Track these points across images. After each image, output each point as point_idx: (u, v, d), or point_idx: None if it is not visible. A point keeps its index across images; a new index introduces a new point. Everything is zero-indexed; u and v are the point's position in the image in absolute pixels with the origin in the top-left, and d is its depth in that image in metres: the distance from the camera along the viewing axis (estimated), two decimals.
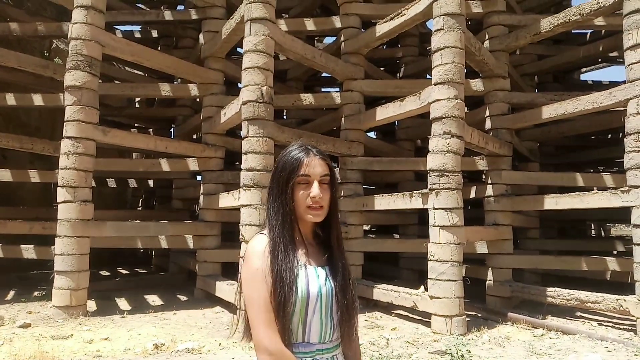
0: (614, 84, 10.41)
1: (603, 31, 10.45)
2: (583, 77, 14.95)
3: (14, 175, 9.33)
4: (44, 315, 6.96)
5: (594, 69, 14.65)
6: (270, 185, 1.55)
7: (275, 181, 1.53)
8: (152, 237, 8.81)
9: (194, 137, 11.60)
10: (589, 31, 11.30)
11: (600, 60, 13.08)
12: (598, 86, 11.95)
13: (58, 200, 7.10)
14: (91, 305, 7.61)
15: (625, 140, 6.37)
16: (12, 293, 8.67)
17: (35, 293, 8.56)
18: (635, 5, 6.29)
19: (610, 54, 11.21)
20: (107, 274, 11.64)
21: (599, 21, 7.93)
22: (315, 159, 1.51)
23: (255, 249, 1.48)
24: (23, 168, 9.92)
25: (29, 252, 8.50)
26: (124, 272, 12.21)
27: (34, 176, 9.34)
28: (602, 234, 20.02)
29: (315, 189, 1.48)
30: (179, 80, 10.51)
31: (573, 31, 10.46)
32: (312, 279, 1.47)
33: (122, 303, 8.21)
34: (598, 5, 6.95)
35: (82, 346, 5.46)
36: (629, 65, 6.34)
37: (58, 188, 7.12)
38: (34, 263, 9.53)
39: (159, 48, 11.80)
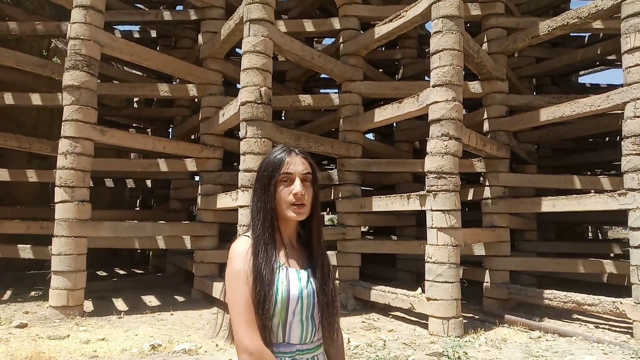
0: (611, 87, 10.47)
1: (601, 34, 10.49)
2: (581, 80, 15.00)
3: (11, 174, 9.31)
4: (40, 316, 6.94)
5: (592, 72, 14.72)
6: (255, 186, 1.57)
7: (259, 181, 1.55)
8: (150, 238, 8.79)
9: (192, 137, 11.60)
10: (587, 34, 11.34)
11: (598, 63, 13.13)
12: (596, 89, 11.98)
13: (55, 200, 7.09)
14: (88, 305, 7.59)
15: (622, 143, 6.39)
16: (8, 293, 8.65)
17: (32, 293, 8.54)
18: (633, 8, 6.31)
19: (608, 57, 11.25)
20: (104, 274, 11.61)
21: (597, 24, 7.95)
22: (296, 157, 1.53)
23: (238, 250, 1.49)
24: (21, 168, 9.89)
25: (26, 252, 8.47)
26: (121, 272, 12.19)
27: (32, 176, 9.31)
28: (599, 236, 20.06)
29: (297, 186, 1.50)
30: (178, 80, 10.51)
31: (571, 34, 10.50)
32: (293, 281, 1.48)
33: (119, 303, 8.19)
34: (596, 8, 6.98)
35: (78, 347, 5.44)
36: (626, 69, 6.36)
37: (56, 188, 7.11)
38: (31, 263, 9.50)
39: (157, 48, 11.79)
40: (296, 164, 1.52)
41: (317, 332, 1.52)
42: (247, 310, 1.41)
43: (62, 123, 7.16)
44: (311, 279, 1.53)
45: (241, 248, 1.49)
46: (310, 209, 1.55)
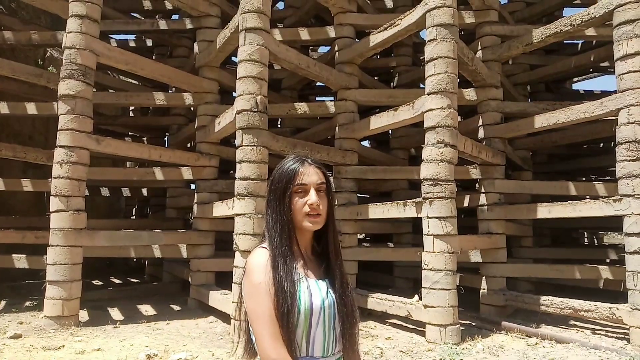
0: (605, 94, 10.55)
1: (594, 41, 10.58)
2: (575, 86, 15.12)
3: (6, 184, 9.27)
4: (35, 326, 6.89)
5: (585, 79, 14.84)
6: (268, 197, 1.56)
7: (273, 193, 1.54)
8: (146, 247, 8.76)
9: (188, 145, 11.59)
10: (581, 41, 11.44)
11: (591, 70, 13.24)
12: (590, 96, 12.07)
13: (51, 210, 7.06)
14: (83, 315, 7.54)
15: (616, 149, 6.42)
16: (2, 303, 8.58)
17: (27, 303, 8.47)
18: (625, 16, 6.38)
19: (602, 64, 11.34)
20: (100, 283, 11.54)
21: (590, 32, 8.02)
22: (310, 167, 1.53)
23: (257, 262, 1.48)
24: (16, 177, 9.87)
25: (20, 261, 8.42)
26: (117, 281, 12.12)
27: (27, 185, 9.28)
28: (595, 242, 20.10)
29: (312, 196, 1.50)
30: (174, 89, 10.52)
31: (565, 41, 10.58)
32: (315, 292, 1.48)
33: (115, 313, 8.14)
34: (589, 16, 7.05)
35: (73, 357, 5.40)
36: (619, 75, 6.41)
37: (51, 197, 7.08)
38: (25, 273, 9.47)
39: (153, 57, 11.83)
40: (310, 175, 1.52)
41: (338, 343, 1.52)
42: (272, 323, 1.39)
43: (58, 132, 7.15)
44: (330, 290, 1.53)
45: (260, 260, 1.48)
46: (325, 219, 1.54)
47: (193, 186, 10.04)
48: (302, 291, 1.45)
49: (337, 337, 1.51)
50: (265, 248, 1.51)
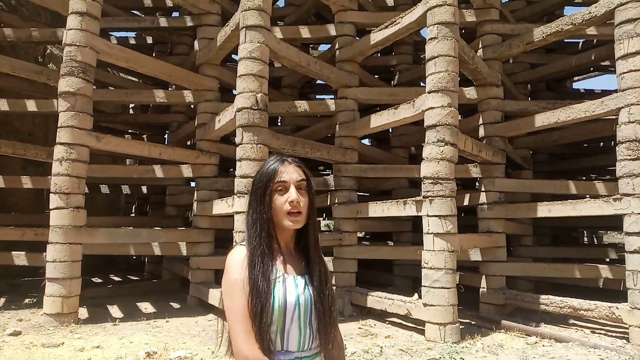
0: (606, 93, 10.53)
1: (595, 40, 10.57)
2: (575, 85, 15.11)
3: (6, 181, 9.27)
4: (34, 323, 6.89)
5: (586, 78, 14.82)
6: (250, 198, 1.58)
7: (254, 193, 1.56)
8: (145, 244, 8.76)
9: (188, 143, 11.59)
10: (581, 40, 11.43)
11: (592, 69, 13.22)
12: (590, 95, 12.06)
13: (50, 207, 7.05)
14: (83, 312, 7.54)
15: (617, 148, 6.41)
16: (2, 300, 8.58)
17: (26, 300, 8.48)
18: (626, 15, 6.36)
19: (602, 63, 11.34)
20: (100, 281, 11.55)
21: (591, 31, 8.01)
22: (290, 166, 1.55)
23: (234, 259, 1.51)
24: (16, 174, 9.86)
25: (20, 258, 8.42)
26: (117, 279, 12.13)
27: (27, 182, 9.27)
28: (595, 241, 20.11)
29: (293, 193, 1.51)
30: (174, 86, 10.51)
31: (565, 40, 10.57)
32: (290, 288, 1.49)
33: (114, 310, 8.14)
34: (590, 15, 7.03)
35: (73, 354, 5.40)
36: (620, 75, 6.40)
37: (51, 194, 7.07)
38: (25, 270, 9.45)
39: (153, 54, 11.82)
40: (290, 172, 1.53)
41: (315, 339, 1.53)
42: (245, 320, 1.42)
43: (58, 129, 7.14)
44: (308, 286, 1.54)
45: (237, 257, 1.50)
46: (306, 217, 1.55)
47: (193, 184, 10.04)
48: (277, 289, 1.47)
49: (313, 332, 1.52)
50: (244, 245, 1.53)
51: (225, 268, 1.53)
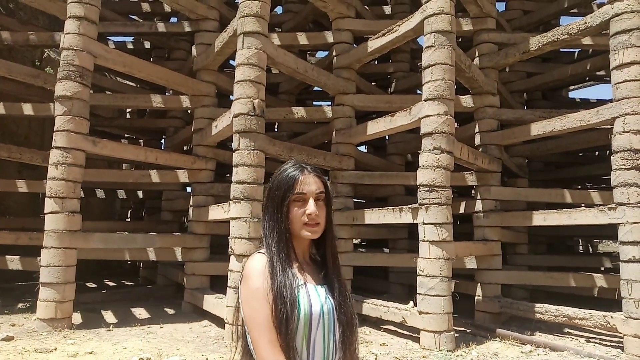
0: (601, 102, 10.61)
1: (590, 50, 10.65)
2: (571, 94, 15.20)
3: (1, 184, 9.22)
4: (27, 328, 6.83)
5: (581, 87, 14.90)
6: (266, 204, 1.55)
7: (270, 200, 1.53)
8: (140, 249, 8.71)
9: (185, 148, 11.58)
10: (577, 50, 11.51)
11: (587, 78, 13.31)
12: (586, 104, 12.15)
13: (45, 211, 7.02)
14: (76, 318, 7.49)
15: (612, 158, 6.45)
16: None
17: (20, 305, 8.41)
18: (621, 26, 6.42)
19: (598, 73, 11.40)
20: (94, 286, 11.48)
21: (587, 40, 8.07)
22: (309, 176, 1.52)
23: (255, 267, 1.46)
24: (11, 177, 9.81)
25: (14, 262, 8.36)
26: (111, 284, 12.06)
27: (22, 186, 9.23)
28: (590, 250, 20.15)
29: (311, 206, 1.49)
30: (171, 91, 10.51)
31: (561, 50, 10.65)
32: (314, 297, 1.47)
33: (108, 316, 8.09)
34: (585, 25, 7.09)
35: None
36: (615, 84, 6.45)
37: (46, 198, 7.04)
38: (18, 274, 9.39)
39: (151, 59, 11.83)
40: (309, 184, 1.51)
41: (338, 349, 1.50)
42: (269, 330, 1.38)
43: (54, 133, 7.12)
44: (329, 296, 1.52)
45: (258, 265, 1.46)
46: (324, 227, 1.54)
47: (189, 189, 10.02)
48: (301, 296, 1.44)
49: (337, 343, 1.49)
50: (263, 253, 1.49)
51: (243, 276, 1.48)
